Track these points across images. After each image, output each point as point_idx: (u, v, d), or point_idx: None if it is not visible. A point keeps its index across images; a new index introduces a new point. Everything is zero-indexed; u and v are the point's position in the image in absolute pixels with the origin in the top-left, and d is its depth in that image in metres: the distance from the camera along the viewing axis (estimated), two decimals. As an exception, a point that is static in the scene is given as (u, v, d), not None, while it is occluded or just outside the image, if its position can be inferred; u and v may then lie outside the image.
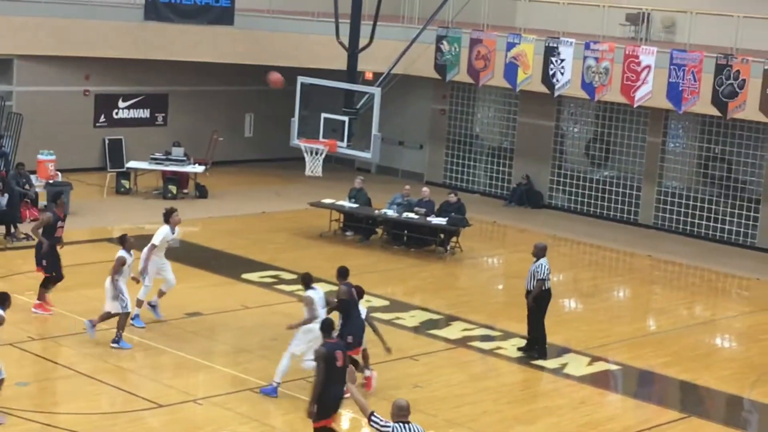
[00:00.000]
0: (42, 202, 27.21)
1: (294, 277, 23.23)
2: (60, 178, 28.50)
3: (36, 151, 28.91)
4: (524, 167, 32.76)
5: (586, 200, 31.85)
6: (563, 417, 16.94)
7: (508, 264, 27.03)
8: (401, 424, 11.67)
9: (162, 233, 19.43)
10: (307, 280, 16.89)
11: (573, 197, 32.13)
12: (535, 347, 19.29)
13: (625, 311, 23.63)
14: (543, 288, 18.94)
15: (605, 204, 31.47)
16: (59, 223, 20.19)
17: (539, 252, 19.05)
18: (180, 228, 27.00)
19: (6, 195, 25.17)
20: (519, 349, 19.45)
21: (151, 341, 18.72)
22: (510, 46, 29.66)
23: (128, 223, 27.04)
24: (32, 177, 27.50)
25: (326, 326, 14.24)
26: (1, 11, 30.06)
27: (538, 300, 19.02)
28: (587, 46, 28.27)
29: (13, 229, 24.96)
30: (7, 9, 30.14)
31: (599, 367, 19.22)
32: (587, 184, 31.84)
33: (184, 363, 17.88)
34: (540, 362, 19.07)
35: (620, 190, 31.23)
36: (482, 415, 16.74)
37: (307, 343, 16.52)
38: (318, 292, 16.85)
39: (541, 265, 18.89)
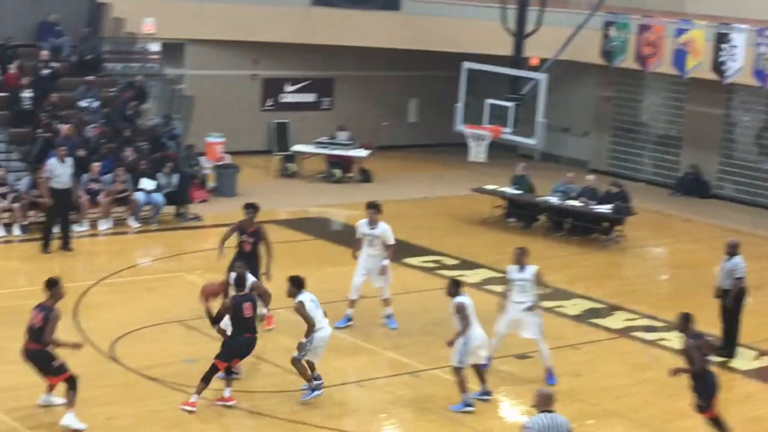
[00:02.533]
0: (210, 183, 27.84)
1: (456, 262, 23.31)
2: (228, 160, 29.11)
3: (205, 134, 29.60)
4: (692, 156, 32.14)
5: (755, 190, 31.07)
6: (728, 411, 16.55)
7: (673, 254, 26.57)
8: (545, 414, 11.58)
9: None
10: (455, 286, 15.90)
11: (742, 187, 31.38)
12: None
13: (794, 305, 22.98)
14: (740, 286, 18.47)
15: (776, 195, 30.70)
16: (243, 236, 18.28)
17: (732, 249, 18.46)
18: (345, 211, 27.52)
19: (176, 175, 25.81)
20: (718, 350, 18.85)
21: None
22: (679, 32, 29.10)
23: (293, 206, 27.50)
24: (201, 159, 28.14)
25: (239, 281, 15.39)
26: (174, -3, 30.88)
27: (737, 299, 18.54)
28: (761, 33, 27.54)
29: (182, 209, 25.60)
30: (180, -6, 30.93)
31: (767, 361, 18.75)
32: (757, 174, 31.06)
33: (345, 345, 18.08)
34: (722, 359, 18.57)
35: (792, 180, 30.42)
36: (643, 406, 16.52)
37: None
38: (467, 298, 16.01)
39: (737, 263, 18.36)
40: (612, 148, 34.23)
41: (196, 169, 27.29)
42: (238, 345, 15.25)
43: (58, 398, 14.90)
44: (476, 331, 15.73)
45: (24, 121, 26.54)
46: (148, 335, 18.06)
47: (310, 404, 15.62)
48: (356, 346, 18.09)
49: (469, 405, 15.66)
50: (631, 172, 33.61)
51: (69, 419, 14.41)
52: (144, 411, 15.08)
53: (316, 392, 15.64)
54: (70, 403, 14.44)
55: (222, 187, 28.01)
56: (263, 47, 32.59)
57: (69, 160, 22.59)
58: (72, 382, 14.47)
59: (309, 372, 15.68)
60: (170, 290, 19.87)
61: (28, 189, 23.63)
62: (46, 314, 14.33)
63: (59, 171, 22.26)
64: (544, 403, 11.67)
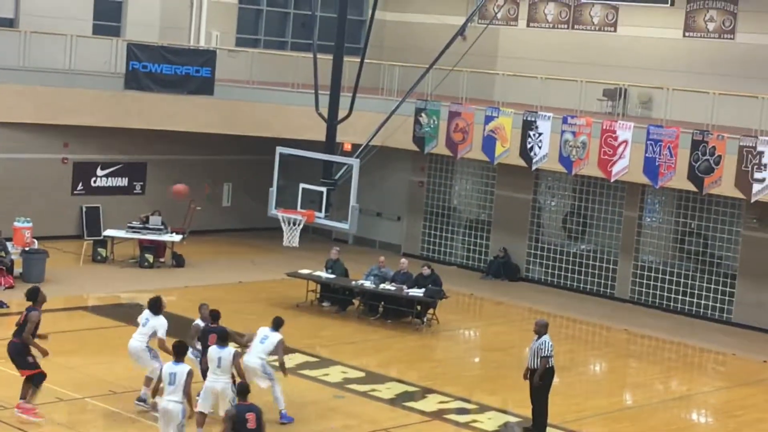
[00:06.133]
0: (17, 269, 27.09)
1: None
2: (36, 245, 28.41)
3: (12, 218, 28.86)
4: (501, 240, 32.83)
5: (562, 273, 31.88)
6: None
7: (485, 336, 26.98)
8: None
9: None
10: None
11: (550, 270, 32.15)
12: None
13: (600, 385, 23.57)
14: (547, 365, 18.78)
15: (582, 277, 31.51)
16: None
17: (541, 329, 18.86)
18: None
19: (-19, 261, 25.07)
20: (525, 429, 19.20)
21: (123, 411, 18.55)
22: (488, 119, 29.87)
23: (104, 291, 26.96)
24: (8, 244, 27.40)
25: (242, 389, 15.28)
26: (-19, 78, 30.17)
27: (544, 377, 18.85)
28: (565, 121, 28.49)
29: (-13, 296, 24.84)
30: (-13, 76, 30.25)
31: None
32: (564, 257, 31.90)
33: None
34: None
35: (597, 263, 31.28)
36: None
37: None
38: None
39: (545, 342, 18.72)
40: (424, 232, 34.71)
41: (2, 255, 26.53)
42: None
43: None
44: None
45: None
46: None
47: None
48: None
49: None
50: (443, 255, 34.12)
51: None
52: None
53: None
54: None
55: (29, 273, 27.26)
56: (74, 130, 32.06)
57: None
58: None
59: None
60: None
61: None
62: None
63: None
64: None
